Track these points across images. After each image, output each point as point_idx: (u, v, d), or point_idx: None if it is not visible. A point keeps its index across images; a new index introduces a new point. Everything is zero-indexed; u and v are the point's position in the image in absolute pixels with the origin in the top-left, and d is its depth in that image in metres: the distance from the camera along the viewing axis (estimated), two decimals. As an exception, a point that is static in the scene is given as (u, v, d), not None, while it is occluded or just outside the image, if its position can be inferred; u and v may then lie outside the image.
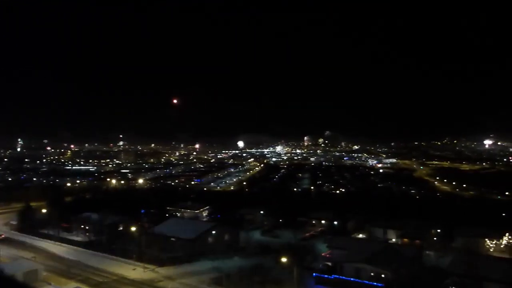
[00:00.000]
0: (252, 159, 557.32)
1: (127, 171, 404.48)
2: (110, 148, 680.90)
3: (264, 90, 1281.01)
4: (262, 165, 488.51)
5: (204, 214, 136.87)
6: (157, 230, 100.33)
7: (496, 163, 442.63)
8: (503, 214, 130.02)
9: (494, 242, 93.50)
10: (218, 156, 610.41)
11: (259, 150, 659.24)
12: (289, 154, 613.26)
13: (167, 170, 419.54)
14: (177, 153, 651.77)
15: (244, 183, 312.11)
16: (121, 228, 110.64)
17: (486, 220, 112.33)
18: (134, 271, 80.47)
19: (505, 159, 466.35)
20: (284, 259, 71.02)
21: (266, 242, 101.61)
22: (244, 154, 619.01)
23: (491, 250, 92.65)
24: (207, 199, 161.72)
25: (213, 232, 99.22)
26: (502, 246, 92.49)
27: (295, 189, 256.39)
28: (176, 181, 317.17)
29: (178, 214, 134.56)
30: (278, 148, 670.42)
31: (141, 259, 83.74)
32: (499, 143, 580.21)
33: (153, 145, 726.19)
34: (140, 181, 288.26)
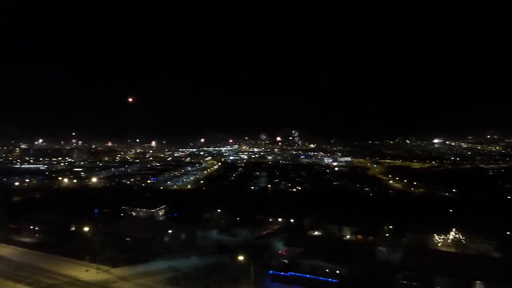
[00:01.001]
0: (209, 158, 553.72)
1: (80, 169, 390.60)
2: (62, 146, 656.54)
3: (222, 89, 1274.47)
4: (219, 163, 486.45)
5: (161, 213, 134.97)
6: (111, 230, 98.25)
7: (444, 161, 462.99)
8: (450, 211, 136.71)
9: (442, 237, 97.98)
10: (175, 155, 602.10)
11: (216, 148, 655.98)
12: (246, 153, 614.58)
13: (122, 169, 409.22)
14: (133, 151, 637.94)
15: (201, 181, 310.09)
16: (73, 229, 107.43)
17: (434, 216, 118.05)
18: (87, 272, 78.26)
19: (452, 158, 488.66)
20: (241, 258, 71.29)
21: (223, 241, 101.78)
22: (201, 153, 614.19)
23: (439, 245, 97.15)
24: (163, 198, 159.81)
25: (170, 231, 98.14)
26: (449, 241, 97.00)
27: (252, 188, 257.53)
28: (132, 179, 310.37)
29: (134, 214, 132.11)
30: (236, 147, 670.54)
31: (94, 260, 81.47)
32: (447, 142, 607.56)
33: (108, 143, 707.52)
34: (94, 180, 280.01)
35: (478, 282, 63.36)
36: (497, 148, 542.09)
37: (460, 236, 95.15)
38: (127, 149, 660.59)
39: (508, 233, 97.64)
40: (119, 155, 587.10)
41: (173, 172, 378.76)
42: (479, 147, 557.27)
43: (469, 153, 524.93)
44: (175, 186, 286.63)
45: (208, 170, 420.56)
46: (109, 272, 78.28)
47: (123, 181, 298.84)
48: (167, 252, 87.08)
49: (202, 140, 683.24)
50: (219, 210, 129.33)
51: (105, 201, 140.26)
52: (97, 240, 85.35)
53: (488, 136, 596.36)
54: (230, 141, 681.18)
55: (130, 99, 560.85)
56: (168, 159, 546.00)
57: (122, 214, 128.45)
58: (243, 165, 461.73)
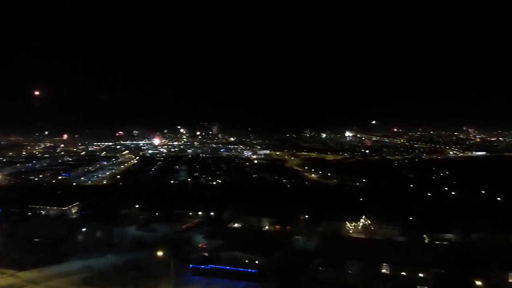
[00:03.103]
0: (126, 152, 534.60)
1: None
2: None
3: (138, 81, 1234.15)
4: (137, 157, 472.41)
5: (74, 211, 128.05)
6: (18, 231, 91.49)
7: (356, 153, 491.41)
8: (360, 199, 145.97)
9: (353, 225, 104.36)
10: (89, 149, 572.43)
11: (134, 142, 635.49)
12: (166, 146, 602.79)
13: (30, 164, 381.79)
14: (42, 145, 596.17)
15: (118, 176, 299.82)
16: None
17: (346, 204, 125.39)
18: (-10, 277, 72.28)
19: (362, 150, 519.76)
20: (160, 253, 70.32)
21: (142, 237, 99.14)
22: (118, 146, 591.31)
23: (351, 231, 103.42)
24: (77, 194, 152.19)
25: (84, 229, 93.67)
26: (359, 228, 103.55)
27: (172, 182, 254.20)
28: (41, 176, 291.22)
29: (43, 212, 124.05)
30: (155, 140, 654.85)
31: (-2, 264, 75.40)
32: (358, 135, 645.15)
33: (11, 136, 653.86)
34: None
35: (384, 264, 68.71)
36: (402, 140, 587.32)
37: (369, 222, 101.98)
38: (35, 143, 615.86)
39: (410, 218, 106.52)
40: (25, 150, 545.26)
41: (87, 167, 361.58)
42: (386, 140, 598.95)
43: (377, 145, 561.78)
44: (89, 181, 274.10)
45: (126, 164, 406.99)
46: (16, 276, 72.83)
47: (31, 177, 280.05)
48: (82, 252, 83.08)
49: (119, 133, 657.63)
50: (137, 206, 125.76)
51: (10, 200, 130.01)
52: (1, 242, 79.03)
53: (394, 130, 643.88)
54: (149, 134, 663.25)
55: (38, 91, 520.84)
56: (81, 154, 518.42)
57: (29, 214, 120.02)
58: (162, 159, 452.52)
